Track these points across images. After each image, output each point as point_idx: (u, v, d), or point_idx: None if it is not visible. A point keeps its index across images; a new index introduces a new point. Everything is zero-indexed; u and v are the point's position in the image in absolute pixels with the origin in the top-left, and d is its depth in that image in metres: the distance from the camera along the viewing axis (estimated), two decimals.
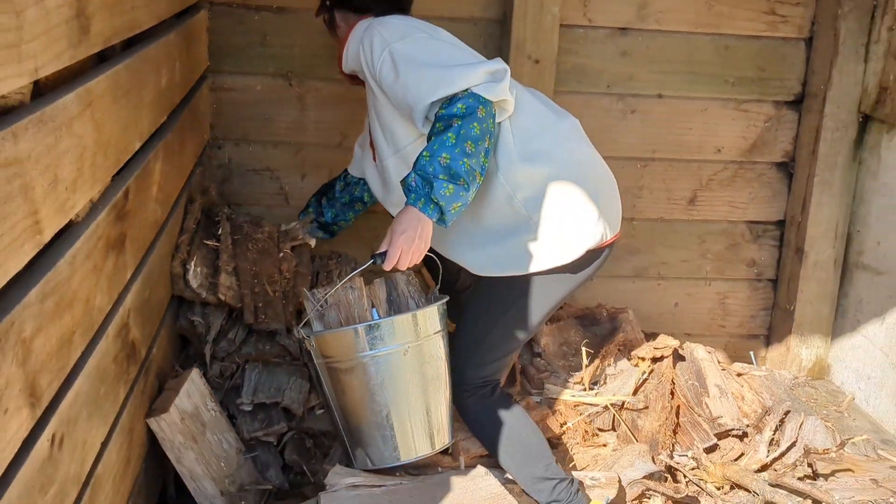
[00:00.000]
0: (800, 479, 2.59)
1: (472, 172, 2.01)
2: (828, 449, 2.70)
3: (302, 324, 2.23)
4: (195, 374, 2.28)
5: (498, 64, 2.16)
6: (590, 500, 2.36)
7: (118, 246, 1.78)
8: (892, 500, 2.48)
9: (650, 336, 3.08)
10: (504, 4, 3.08)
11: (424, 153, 2.01)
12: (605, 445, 2.69)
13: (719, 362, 3.06)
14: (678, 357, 3.02)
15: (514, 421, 2.32)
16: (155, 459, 2.18)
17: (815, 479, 2.63)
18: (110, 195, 1.73)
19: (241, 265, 2.54)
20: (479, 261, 2.26)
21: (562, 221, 2.19)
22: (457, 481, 2.14)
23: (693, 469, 2.68)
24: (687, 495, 2.55)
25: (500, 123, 2.19)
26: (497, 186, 2.19)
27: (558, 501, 2.27)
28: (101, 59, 1.76)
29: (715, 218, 3.43)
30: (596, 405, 2.75)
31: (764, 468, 2.67)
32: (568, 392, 2.77)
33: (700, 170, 3.37)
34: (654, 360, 2.92)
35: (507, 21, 3.07)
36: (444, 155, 1.98)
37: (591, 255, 2.25)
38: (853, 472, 2.68)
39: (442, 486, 2.12)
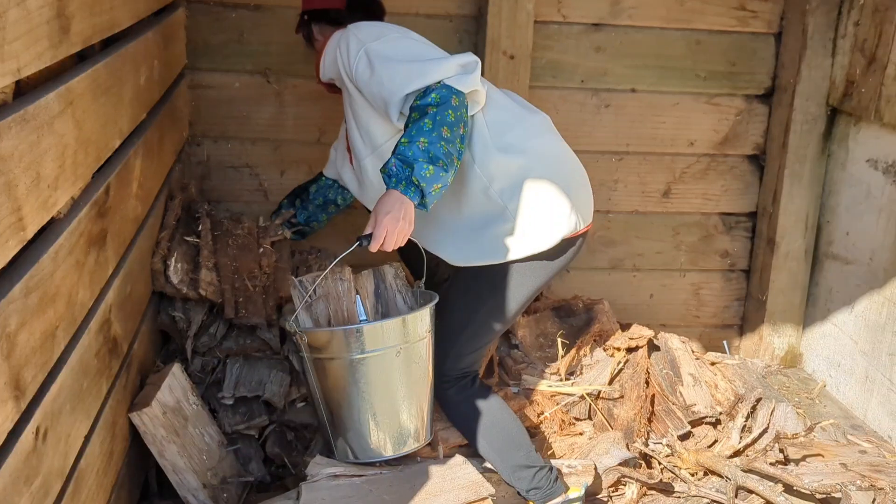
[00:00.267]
0: (771, 464, 2.65)
1: (450, 155, 2.06)
2: (797, 434, 2.76)
3: (293, 316, 2.22)
4: (177, 369, 2.30)
5: (468, 57, 2.22)
6: (568, 487, 2.41)
7: (99, 242, 1.81)
8: (859, 482, 2.55)
9: (626, 327, 3.13)
10: (479, 1, 3.12)
11: (403, 140, 2.06)
12: (581, 434, 2.74)
13: (693, 352, 3.12)
14: (653, 347, 3.08)
15: (494, 410, 2.36)
16: (137, 453, 2.21)
17: (787, 464, 2.69)
18: (91, 192, 1.76)
19: (221, 261, 2.57)
20: (458, 251, 2.30)
21: (537, 210, 2.24)
22: (435, 470, 2.18)
23: (667, 456, 2.74)
24: (661, 481, 2.61)
25: (473, 117, 2.24)
26: (473, 177, 2.24)
27: (538, 489, 2.32)
28: (82, 59, 1.79)
29: (688, 210, 3.49)
30: (572, 395, 2.80)
31: (737, 454, 2.73)
32: (545, 382, 2.81)
33: (673, 163, 3.43)
34: (630, 350, 2.97)
35: (482, 17, 3.11)
36: (422, 139, 2.03)
37: (567, 244, 2.30)
38: (823, 456, 2.74)
39: (420, 475, 2.16)
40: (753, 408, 2.89)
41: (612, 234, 3.46)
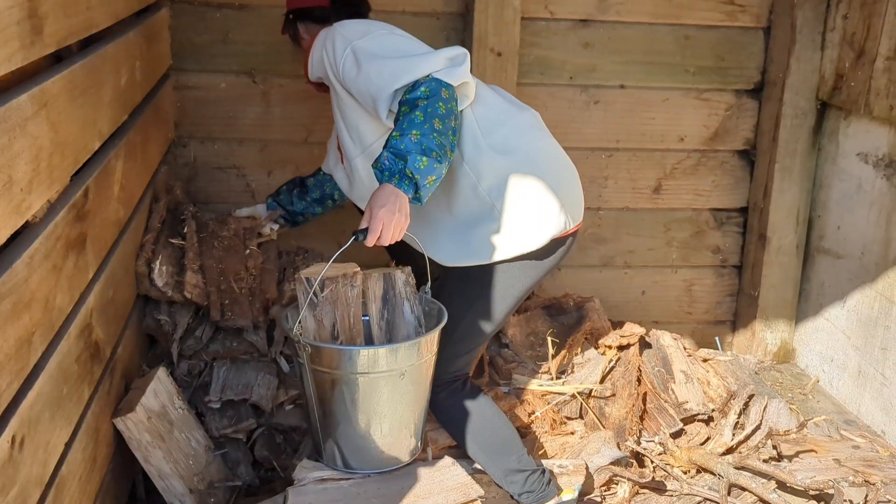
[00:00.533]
0: (764, 460, 2.64)
1: (443, 147, 2.02)
2: (790, 430, 2.75)
3: (300, 317, 2.11)
4: (162, 373, 2.28)
5: (457, 50, 2.20)
6: (561, 489, 2.39)
7: (79, 246, 1.78)
8: (852, 478, 2.53)
9: (617, 324, 3.11)
10: None
11: (394, 133, 2.02)
12: (572, 433, 2.72)
13: (685, 348, 3.11)
14: (645, 344, 3.06)
15: (485, 414, 2.33)
16: (123, 459, 2.18)
17: (780, 461, 2.68)
18: (69, 195, 1.73)
19: (207, 263, 2.55)
20: (446, 251, 2.27)
21: (526, 209, 2.21)
22: (424, 472, 2.16)
23: (660, 454, 2.72)
24: (653, 479, 2.59)
25: (462, 112, 2.21)
26: (462, 175, 2.22)
27: (530, 492, 2.29)
28: (59, 60, 1.76)
29: (679, 206, 3.48)
30: (563, 394, 2.79)
31: (729, 451, 2.71)
32: (536, 382, 2.79)
33: (664, 159, 3.41)
34: (621, 347, 2.95)
35: (468, 14, 3.09)
36: (414, 132, 2.00)
37: (556, 244, 2.27)
38: (816, 452, 2.73)
39: (409, 478, 2.14)
40: (746, 404, 2.88)
41: (602, 231, 3.44)
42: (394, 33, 2.33)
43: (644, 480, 2.56)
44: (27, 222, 1.51)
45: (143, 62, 2.46)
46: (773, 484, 2.56)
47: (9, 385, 1.38)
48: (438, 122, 2.03)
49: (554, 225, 2.23)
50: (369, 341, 2.23)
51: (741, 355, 3.35)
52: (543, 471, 2.34)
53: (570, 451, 2.62)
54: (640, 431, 2.80)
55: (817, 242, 3.37)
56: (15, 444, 1.40)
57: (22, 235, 1.50)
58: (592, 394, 2.81)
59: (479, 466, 2.37)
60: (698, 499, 2.55)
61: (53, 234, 1.61)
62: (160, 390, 2.24)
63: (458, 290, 2.29)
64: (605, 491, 2.56)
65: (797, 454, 2.71)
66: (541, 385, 2.79)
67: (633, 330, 3.00)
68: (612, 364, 2.90)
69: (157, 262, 2.39)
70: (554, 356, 2.88)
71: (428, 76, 2.11)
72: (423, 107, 2.04)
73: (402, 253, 2.48)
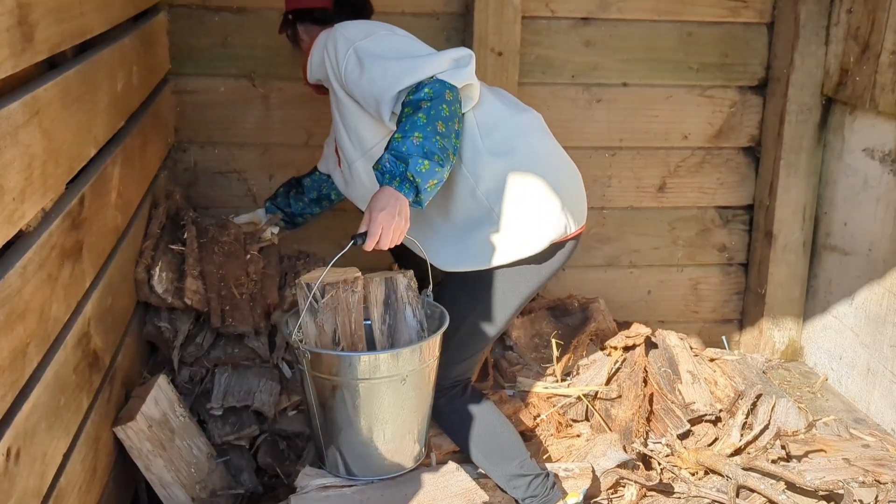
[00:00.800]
0: (773, 461, 2.61)
1: (446, 150, 1.99)
2: (798, 430, 2.72)
3: (297, 326, 2.10)
4: (162, 381, 2.26)
5: (462, 51, 2.17)
6: (566, 493, 2.36)
7: (75, 254, 1.76)
8: (862, 478, 2.50)
9: (623, 325, 3.08)
10: None
11: (396, 135, 1.99)
12: (578, 436, 2.69)
13: (692, 348, 3.08)
14: (650, 345, 3.03)
15: (487, 419, 2.31)
16: (124, 468, 2.17)
17: (789, 461, 2.65)
18: (64, 203, 1.71)
19: (207, 269, 2.53)
20: (445, 256, 2.25)
21: (524, 214, 2.18)
22: (428, 478, 2.13)
23: (667, 456, 2.69)
24: (661, 482, 2.57)
25: (464, 114, 2.18)
26: (460, 179, 2.19)
27: (534, 497, 2.27)
28: (53, 66, 1.75)
29: (684, 204, 3.45)
30: (569, 396, 2.76)
31: (737, 452, 2.68)
32: (541, 384, 2.77)
33: (668, 157, 3.38)
34: (627, 348, 2.93)
35: (469, 14, 3.07)
36: (416, 134, 1.97)
37: (556, 248, 2.24)
38: (826, 452, 2.70)
39: (413, 484, 2.12)
40: (754, 404, 2.85)
41: (607, 230, 3.41)
42: (396, 34, 2.30)
43: (651, 483, 2.53)
44: (20, 232, 1.49)
45: (141, 67, 2.44)
46: (782, 485, 2.53)
47: (2, 397, 1.36)
48: (442, 124, 2.01)
49: (553, 229, 2.20)
50: (371, 346, 2.20)
51: (748, 354, 3.31)
52: (547, 475, 2.31)
53: (575, 453, 2.60)
54: (646, 433, 2.77)
55: (824, 239, 3.34)
56: (10, 456, 1.39)
57: (15, 245, 1.48)
58: (598, 396, 2.79)
59: (483, 471, 2.35)
60: (706, 501, 2.52)
61: (48, 243, 1.59)
62: (161, 398, 2.22)
63: (457, 295, 2.26)
64: (612, 494, 2.53)
65: (806, 454, 2.67)
66: (546, 387, 2.77)
67: (638, 330, 2.97)
68: (617, 365, 2.88)
69: (157, 269, 2.37)
70: (559, 358, 2.86)
71: (432, 77, 2.08)
72: (426, 109, 2.01)
73: (404, 255, 2.45)
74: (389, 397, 2.06)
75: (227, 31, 3.03)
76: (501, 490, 2.31)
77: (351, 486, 2.10)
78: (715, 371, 3.01)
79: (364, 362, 2.01)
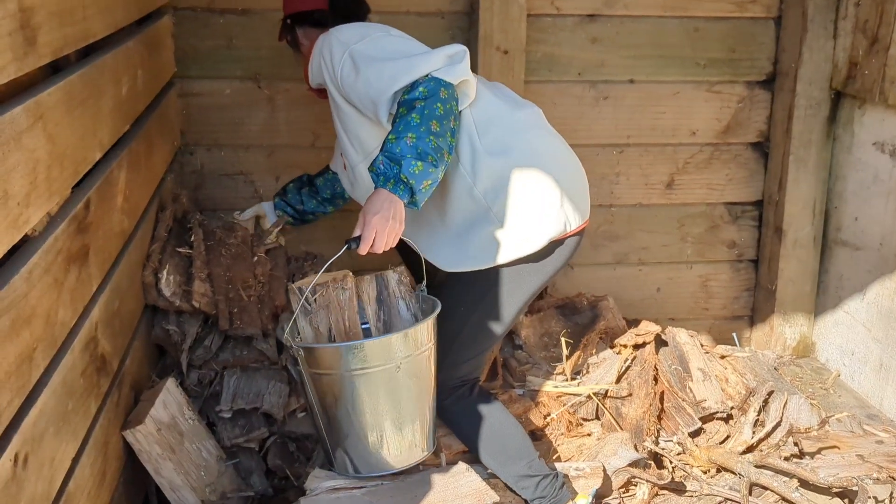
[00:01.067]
0: (786, 458, 2.59)
1: (440, 150, 1.99)
2: (810, 427, 2.70)
3: (290, 324, 2.13)
4: (171, 384, 2.26)
5: (456, 47, 2.16)
6: (576, 493, 2.35)
7: (81, 258, 1.76)
8: (876, 475, 2.47)
9: (632, 323, 3.07)
10: None
11: (390, 136, 1.99)
12: (589, 435, 2.68)
13: (702, 345, 3.06)
14: (661, 342, 3.02)
15: (494, 419, 2.29)
16: (134, 472, 2.16)
17: (801, 458, 2.63)
18: (70, 207, 1.71)
19: (214, 271, 2.52)
20: (445, 256, 2.24)
21: (522, 212, 2.17)
22: (438, 479, 2.12)
23: (678, 454, 2.67)
24: (672, 480, 2.55)
25: (461, 112, 2.17)
26: (457, 178, 2.18)
27: (543, 498, 2.25)
28: (56, 70, 1.74)
29: (693, 201, 3.42)
30: (579, 395, 2.75)
31: (750, 449, 2.66)
32: (550, 383, 2.76)
33: (676, 153, 3.36)
34: (637, 346, 2.91)
35: (474, 13, 3.05)
36: (410, 135, 1.96)
37: (556, 245, 2.23)
38: (839, 448, 2.67)
39: (423, 485, 2.11)
40: (765, 401, 2.83)
41: (615, 228, 3.40)
42: (391, 34, 2.29)
43: (663, 482, 2.52)
44: (26, 236, 1.49)
45: (146, 70, 2.44)
46: (795, 482, 2.51)
47: (9, 403, 1.36)
48: (436, 123, 2.00)
49: (553, 226, 2.19)
50: None
51: (760, 351, 3.29)
52: (556, 475, 2.30)
53: (586, 453, 2.58)
54: (657, 431, 2.75)
55: (834, 234, 3.31)
56: (18, 461, 1.38)
57: (21, 250, 1.48)
58: (608, 394, 2.77)
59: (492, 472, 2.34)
60: (719, 499, 2.51)
61: (54, 247, 1.58)
62: (169, 401, 2.22)
63: (460, 295, 2.25)
64: (624, 493, 2.52)
65: (819, 451, 2.65)
66: (556, 386, 2.76)
67: (648, 328, 2.95)
68: (627, 363, 2.86)
69: (165, 272, 2.37)
70: (568, 357, 2.84)
71: (427, 75, 2.08)
72: (419, 108, 2.01)
73: (410, 254, 2.45)
74: (385, 387, 2.06)
75: (231, 33, 3.02)
76: (511, 491, 2.30)
77: (361, 487, 2.10)
78: (726, 368, 2.99)
79: (354, 351, 2.03)
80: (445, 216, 2.23)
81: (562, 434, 2.66)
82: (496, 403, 2.33)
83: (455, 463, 2.24)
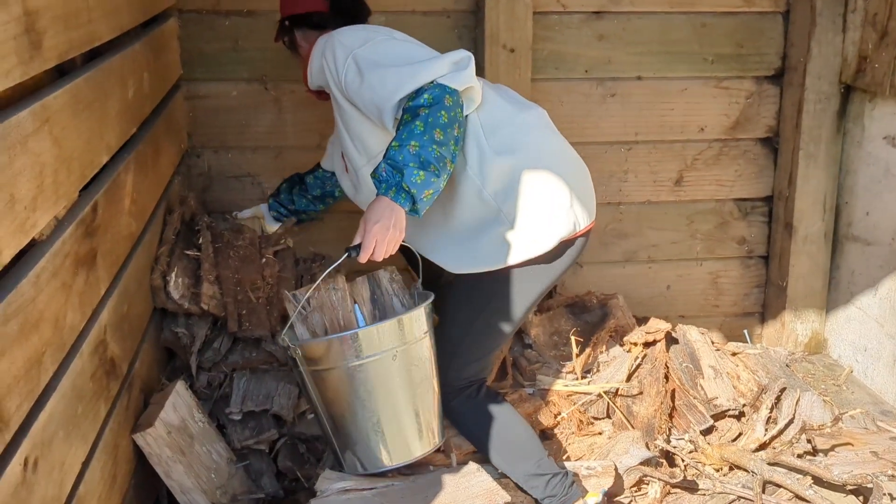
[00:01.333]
0: (799, 455, 2.57)
1: (443, 159, 1.99)
2: (824, 423, 2.68)
3: (285, 329, 2.18)
4: (180, 386, 2.25)
5: (461, 53, 2.15)
6: (586, 491, 2.34)
7: (89, 262, 1.76)
8: (891, 472, 2.45)
9: (643, 321, 3.05)
10: None
11: (393, 143, 1.99)
12: (600, 434, 2.67)
13: (713, 343, 3.04)
14: (671, 340, 3.00)
15: (503, 419, 2.29)
16: (144, 475, 2.16)
17: (815, 455, 2.61)
18: (77, 211, 1.71)
19: (223, 273, 2.52)
20: (454, 258, 2.23)
21: (532, 213, 2.16)
22: (448, 479, 2.12)
23: (690, 452, 2.66)
24: (685, 478, 2.53)
25: (467, 117, 2.16)
26: (466, 181, 2.17)
27: (553, 497, 2.24)
28: (62, 74, 1.74)
29: (702, 197, 3.41)
30: (589, 394, 2.73)
31: (762, 447, 2.65)
32: (560, 382, 2.74)
33: (684, 150, 3.34)
34: (647, 344, 2.90)
35: (479, 12, 3.04)
36: (413, 143, 1.96)
37: (566, 245, 2.22)
38: (853, 445, 2.66)
39: (433, 485, 2.10)
40: (778, 398, 2.81)
41: (624, 226, 3.38)
42: (394, 38, 2.28)
43: (675, 480, 2.50)
44: (33, 240, 1.48)
45: (152, 73, 2.44)
46: (808, 479, 2.49)
47: (18, 407, 1.36)
48: (439, 132, 1.99)
49: (563, 226, 2.18)
50: None
51: (771, 348, 3.27)
52: (566, 474, 2.29)
53: (598, 451, 2.57)
54: (669, 429, 2.74)
55: (846, 230, 3.29)
56: (28, 465, 1.38)
57: (28, 254, 1.48)
58: (619, 392, 2.76)
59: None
60: (732, 497, 2.49)
61: (61, 251, 1.58)
62: (179, 404, 2.22)
63: (468, 296, 2.25)
64: (636, 492, 2.51)
65: (833, 448, 2.63)
66: (566, 385, 2.74)
67: (658, 326, 2.94)
68: (638, 361, 2.85)
69: (173, 275, 2.37)
70: (578, 355, 2.83)
71: (432, 82, 2.07)
72: (424, 116, 2.00)
73: (412, 253, 2.44)
74: (383, 377, 2.09)
75: (237, 35, 3.02)
76: (522, 490, 2.29)
77: (371, 488, 2.09)
78: (737, 365, 2.97)
79: (348, 342, 2.06)
80: (454, 218, 2.22)
81: (573, 433, 2.65)
82: (504, 403, 2.32)
83: (465, 463, 2.23)
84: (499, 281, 2.20)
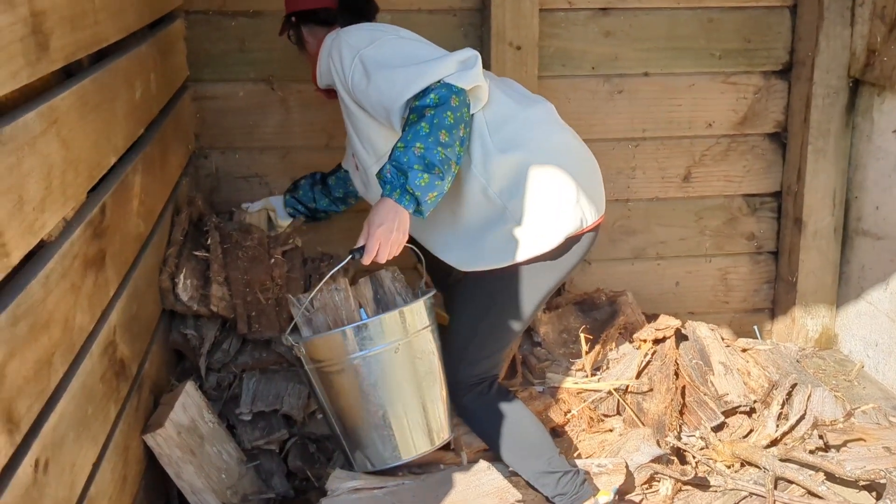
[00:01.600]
0: (811, 451, 2.56)
1: (448, 161, 1.98)
2: (835, 419, 2.66)
3: (289, 329, 2.19)
4: (190, 387, 2.25)
5: (467, 52, 2.14)
6: (597, 489, 2.33)
7: (98, 263, 1.76)
8: None
9: (652, 318, 3.04)
10: None
11: (399, 144, 1.99)
12: (611, 431, 2.66)
13: (723, 339, 3.03)
14: (681, 337, 2.99)
15: (514, 417, 2.28)
16: (155, 475, 2.16)
17: (827, 451, 2.60)
18: (86, 212, 1.71)
19: (232, 275, 2.52)
20: (461, 256, 2.23)
21: (538, 209, 2.15)
22: (459, 477, 2.11)
23: (702, 449, 2.65)
24: (696, 475, 2.52)
25: (473, 115, 2.15)
26: (471, 179, 2.17)
27: (564, 495, 2.24)
28: (69, 75, 1.74)
29: (711, 193, 3.39)
30: (599, 391, 2.72)
31: (774, 443, 2.64)
32: (570, 379, 2.74)
33: (692, 146, 3.33)
34: (656, 341, 2.88)
35: (486, 9, 3.04)
36: (418, 145, 1.96)
37: (572, 241, 2.21)
38: (865, 441, 2.64)
39: (444, 484, 2.10)
40: (789, 394, 2.79)
41: (632, 222, 3.37)
42: (401, 37, 2.27)
43: (686, 477, 2.49)
44: (42, 241, 1.48)
45: (159, 74, 2.44)
46: (821, 475, 2.48)
47: (29, 408, 1.36)
48: (445, 133, 1.99)
49: (570, 222, 2.17)
50: None
51: (781, 343, 3.26)
52: (577, 471, 2.28)
53: (608, 449, 2.56)
54: (680, 426, 2.73)
55: (855, 224, 3.27)
56: (39, 467, 1.38)
57: (37, 255, 1.48)
58: (629, 390, 2.75)
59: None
60: (744, 494, 2.48)
61: (70, 252, 1.58)
62: (189, 404, 2.22)
63: (476, 294, 2.24)
64: (647, 489, 2.50)
65: (845, 443, 2.62)
66: (576, 383, 2.74)
67: (668, 322, 2.93)
68: (647, 358, 2.84)
69: (182, 276, 2.37)
70: (588, 353, 2.82)
71: (438, 81, 2.06)
72: (429, 117, 2.00)
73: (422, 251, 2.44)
74: (386, 371, 2.10)
75: (244, 36, 3.02)
76: (532, 488, 2.28)
77: (382, 487, 2.09)
78: (748, 361, 2.96)
79: (348, 335, 2.07)
80: (460, 217, 2.22)
81: (583, 430, 2.64)
82: (515, 400, 2.32)
83: (476, 461, 2.22)
84: (506, 278, 2.20)
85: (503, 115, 2.20)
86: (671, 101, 3.26)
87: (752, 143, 3.35)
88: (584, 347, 2.82)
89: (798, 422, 2.69)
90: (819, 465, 2.48)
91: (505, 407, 2.28)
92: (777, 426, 2.66)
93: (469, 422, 2.35)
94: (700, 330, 3.00)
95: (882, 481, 2.39)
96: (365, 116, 2.24)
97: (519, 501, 2.08)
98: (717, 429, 2.71)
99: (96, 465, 1.70)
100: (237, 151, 3.12)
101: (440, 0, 3.07)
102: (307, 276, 2.68)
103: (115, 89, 1.95)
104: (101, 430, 1.75)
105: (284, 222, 2.85)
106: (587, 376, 2.78)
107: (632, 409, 2.72)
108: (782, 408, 2.74)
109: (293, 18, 2.51)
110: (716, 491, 2.50)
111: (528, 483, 2.29)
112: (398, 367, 2.11)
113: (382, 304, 2.32)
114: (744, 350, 3.06)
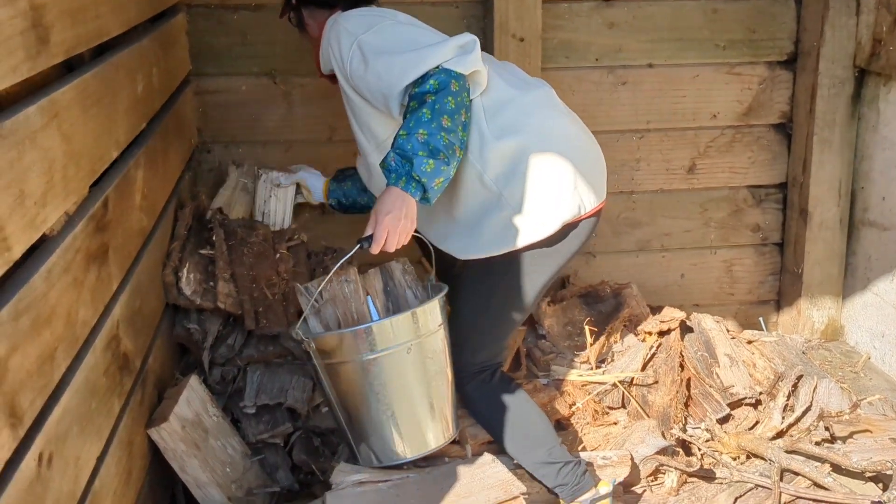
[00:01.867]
0: (817, 443, 2.55)
1: (452, 146, 1.97)
2: (841, 411, 2.65)
3: (300, 322, 2.18)
4: (194, 381, 2.25)
5: (466, 37, 2.12)
6: (599, 480, 2.33)
7: (100, 257, 1.76)
8: None
9: (657, 310, 3.04)
10: None
11: (401, 132, 1.98)
12: (616, 423, 2.65)
13: (728, 331, 3.02)
14: (686, 329, 2.98)
15: (516, 406, 2.28)
16: (160, 469, 2.16)
17: (833, 443, 2.59)
18: (88, 206, 1.70)
19: (237, 271, 2.51)
20: (460, 244, 2.22)
21: (534, 196, 2.13)
22: (463, 470, 2.11)
23: (707, 441, 2.64)
24: (702, 467, 2.52)
25: (471, 101, 2.14)
26: (467, 166, 2.15)
27: (564, 485, 2.23)
28: (70, 69, 1.74)
29: (716, 185, 3.38)
30: (604, 383, 2.72)
31: (780, 435, 2.63)
32: (575, 372, 2.73)
33: (697, 137, 3.32)
34: (661, 333, 2.88)
35: (488, 1, 3.02)
36: (421, 131, 1.95)
37: (570, 228, 2.19)
38: (871, 432, 2.63)
39: (449, 477, 2.09)
40: (794, 386, 2.79)
41: (637, 214, 3.36)
42: (400, 22, 2.26)
43: (692, 469, 2.49)
44: (44, 236, 1.48)
45: (161, 68, 2.43)
46: (827, 467, 2.47)
47: (32, 403, 1.36)
48: (447, 118, 1.98)
49: (567, 209, 2.15)
50: None
51: (787, 335, 3.25)
52: (578, 462, 2.27)
53: (613, 441, 2.56)
54: (685, 418, 2.72)
55: (861, 215, 3.26)
56: (42, 461, 1.38)
57: (39, 250, 1.47)
58: (634, 382, 2.74)
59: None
60: (749, 485, 2.47)
61: (72, 246, 1.58)
62: (193, 398, 2.22)
63: (477, 282, 2.24)
64: (652, 481, 2.49)
65: (851, 435, 2.61)
66: (580, 375, 2.73)
67: (672, 314, 2.92)
68: (653, 350, 2.83)
69: (185, 271, 2.37)
70: (592, 345, 2.82)
71: (437, 67, 2.05)
72: (430, 103, 1.99)
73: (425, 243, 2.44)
74: (397, 371, 2.08)
75: (246, 30, 3.01)
76: (535, 479, 2.28)
77: (386, 480, 2.09)
78: (753, 353, 2.95)
79: (362, 335, 2.05)
80: (457, 205, 2.21)
81: (588, 423, 2.63)
82: (518, 390, 2.31)
83: (481, 454, 2.22)
84: (506, 265, 2.19)
85: (500, 100, 2.19)
86: (675, 92, 3.24)
87: (757, 134, 3.34)
88: (589, 340, 2.82)
89: (804, 413, 2.68)
90: (825, 457, 2.48)
91: (507, 396, 2.27)
92: (783, 418, 2.66)
93: (471, 410, 2.34)
94: (705, 322, 2.99)
95: (888, 472, 2.38)
96: (363, 103, 2.23)
97: (523, 494, 2.07)
98: (723, 421, 2.71)
99: (100, 460, 1.70)
100: (240, 145, 3.12)
101: None
102: (312, 269, 2.68)
103: (117, 83, 1.95)
104: (105, 424, 1.75)
105: (315, 202, 2.81)
106: (592, 369, 2.77)
107: (637, 402, 2.72)
108: (788, 399, 2.73)
109: (293, 1, 2.48)
110: (721, 483, 2.49)
111: (531, 475, 2.29)
112: (409, 368, 2.09)
113: (392, 297, 2.30)
114: (749, 342, 3.05)
